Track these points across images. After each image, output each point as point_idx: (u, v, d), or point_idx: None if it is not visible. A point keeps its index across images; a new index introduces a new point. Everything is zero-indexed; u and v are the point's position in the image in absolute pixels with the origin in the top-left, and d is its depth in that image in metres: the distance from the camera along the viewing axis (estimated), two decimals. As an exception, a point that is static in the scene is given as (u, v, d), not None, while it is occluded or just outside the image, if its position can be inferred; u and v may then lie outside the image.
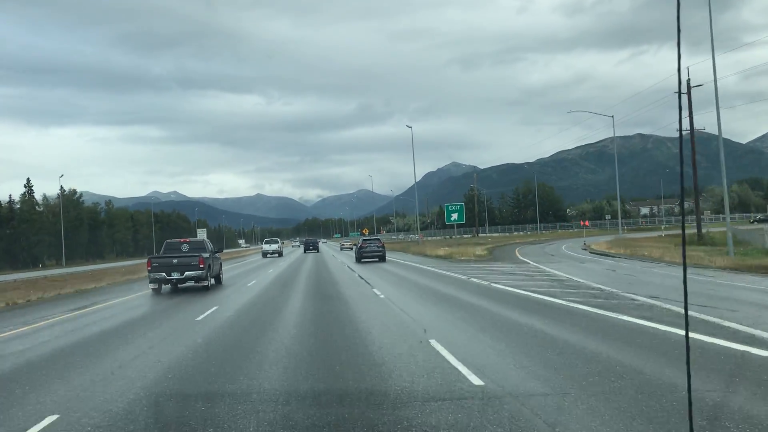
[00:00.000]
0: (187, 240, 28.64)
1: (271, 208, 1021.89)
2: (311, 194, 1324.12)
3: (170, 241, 28.43)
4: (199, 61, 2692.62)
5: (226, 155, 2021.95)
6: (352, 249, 72.51)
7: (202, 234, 67.71)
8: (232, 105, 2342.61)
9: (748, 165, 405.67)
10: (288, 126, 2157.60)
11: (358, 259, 44.09)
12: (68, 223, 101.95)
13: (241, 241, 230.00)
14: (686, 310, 2.80)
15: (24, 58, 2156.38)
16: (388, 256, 48.39)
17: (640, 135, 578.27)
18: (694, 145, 49.47)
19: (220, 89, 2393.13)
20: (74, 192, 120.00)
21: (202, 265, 24.87)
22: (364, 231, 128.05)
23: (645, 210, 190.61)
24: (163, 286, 25.63)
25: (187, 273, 24.84)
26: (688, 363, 2.74)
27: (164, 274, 24.90)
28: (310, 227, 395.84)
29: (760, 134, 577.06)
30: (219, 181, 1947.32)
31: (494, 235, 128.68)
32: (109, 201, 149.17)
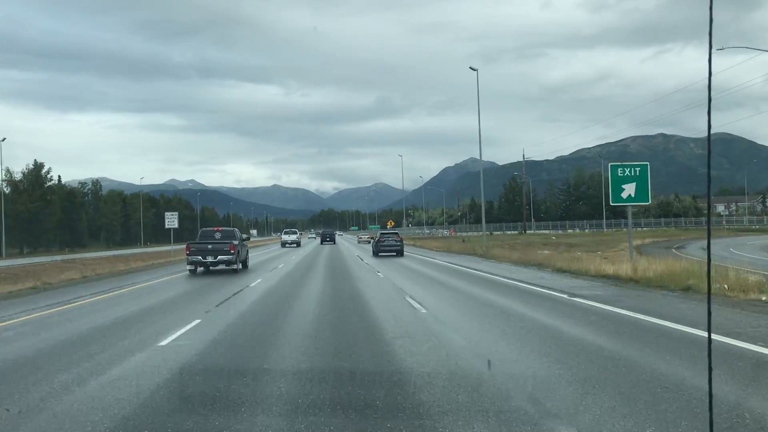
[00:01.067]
0: (220, 228, 33.34)
1: (288, 199, 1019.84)
2: (328, 186, 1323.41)
3: (205, 230, 33.30)
4: (219, 50, 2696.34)
5: (244, 145, 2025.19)
6: (370, 243, 67.22)
7: (172, 220, 59.59)
8: (250, 95, 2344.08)
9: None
10: (306, 117, 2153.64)
11: (376, 253, 43.42)
12: (31, 204, 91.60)
13: (253, 232, 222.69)
14: (709, 312, 2.65)
15: (45, 44, 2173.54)
16: (450, 262, 34.98)
17: (663, 135, 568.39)
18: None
19: (240, 79, 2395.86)
20: (41, 166, 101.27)
21: (232, 251, 28.40)
22: (389, 223, 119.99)
23: (720, 207, 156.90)
24: (198, 268, 28.90)
25: (219, 257, 28.25)
26: (709, 358, 2.69)
27: (200, 257, 28.34)
28: (326, 219, 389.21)
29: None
30: (236, 171, 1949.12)
31: (544, 232, 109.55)
32: (97, 181, 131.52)
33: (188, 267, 28.83)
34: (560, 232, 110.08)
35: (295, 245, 74.05)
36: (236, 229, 33.92)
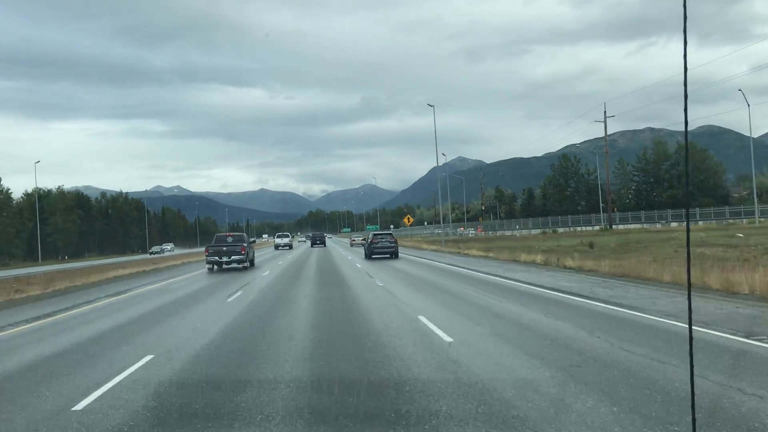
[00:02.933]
0: (231, 234, 38.36)
1: (276, 202, 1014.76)
2: (315, 189, 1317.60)
3: (219, 235, 38.36)
4: (200, 53, 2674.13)
5: (230, 150, 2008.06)
6: (364, 245, 64.03)
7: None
8: (234, 99, 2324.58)
9: (761, 159, 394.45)
10: (291, 120, 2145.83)
11: (368, 256, 42.72)
12: None
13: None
14: (689, 307, 2.77)
15: (23, 50, 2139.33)
16: None
17: (650, 129, 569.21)
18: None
19: (223, 82, 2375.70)
20: None
21: (243, 252, 34.46)
22: (407, 219, 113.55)
23: None
24: (215, 266, 34.70)
25: (233, 257, 34.26)
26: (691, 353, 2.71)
27: (217, 257, 34.33)
28: (314, 221, 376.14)
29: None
30: (222, 176, 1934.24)
31: (633, 227, 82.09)
32: None
33: (207, 266, 35.36)
34: (658, 225, 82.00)
35: (287, 248, 79.51)
36: (244, 234, 39.40)
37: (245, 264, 34.63)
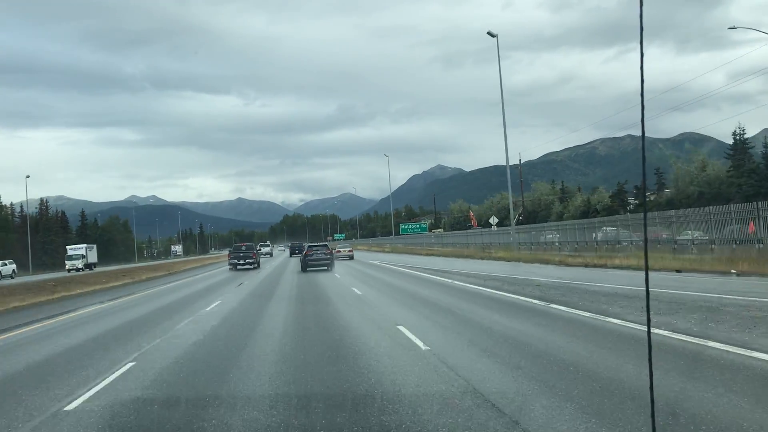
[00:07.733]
0: (245, 244, 57.34)
1: (254, 212, 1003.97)
2: (294, 198, 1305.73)
3: (236, 245, 56.34)
4: (172, 60, 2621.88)
5: (205, 158, 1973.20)
6: (352, 258, 66.25)
7: None
8: (208, 106, 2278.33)
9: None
10: (267, 128, 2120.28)
11: (303, 269, 43.77)
12: None
13: (176, 248, 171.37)
14: (648, 308, 2.79)
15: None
16: None
17: (630, 136, 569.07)
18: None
19: (196, 90, 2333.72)
20: None
21: (254, 257, 51.90)
22: (472, 218, 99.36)
23: None
24: (236, 267, 51.08)
25: (247, 260, 50.76)
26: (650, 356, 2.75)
27: (236, 260, 50.74)
28: (290, 227, 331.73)
29: (748, 135, 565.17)
30: (199, 185, 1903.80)
31: None
32: None
33: (229, 267, 50.87)
34: None
35: (268, 256, 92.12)
36: (253, 244, 57.67)
37: (255, 266, 50.77)
